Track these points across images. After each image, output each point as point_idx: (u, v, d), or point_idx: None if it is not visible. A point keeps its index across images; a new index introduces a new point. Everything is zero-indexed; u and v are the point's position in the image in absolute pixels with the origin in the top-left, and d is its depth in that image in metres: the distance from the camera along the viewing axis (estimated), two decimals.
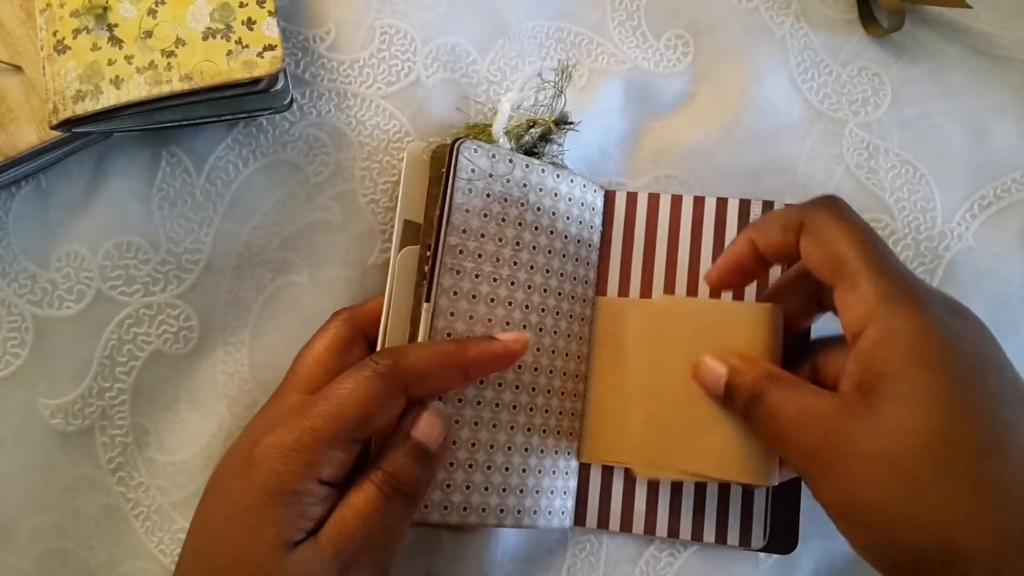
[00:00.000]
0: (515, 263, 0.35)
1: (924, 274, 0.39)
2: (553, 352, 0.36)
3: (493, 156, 0.34)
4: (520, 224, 0.35)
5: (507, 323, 0.34)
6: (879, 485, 0.26)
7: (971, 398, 0.26)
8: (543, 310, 0.36)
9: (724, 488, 0.36)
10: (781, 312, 0.34)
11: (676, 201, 0.38)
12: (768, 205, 0.37)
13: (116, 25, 0.31)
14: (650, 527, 0.36)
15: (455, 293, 0.33)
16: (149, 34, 0.32)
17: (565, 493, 0.36)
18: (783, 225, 0.30)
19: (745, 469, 0.33)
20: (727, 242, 0.37)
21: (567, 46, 0.41)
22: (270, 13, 0.33)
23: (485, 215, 0.34)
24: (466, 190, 0.33)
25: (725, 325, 0.34)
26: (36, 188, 0.36)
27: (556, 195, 0.36)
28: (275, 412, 0.31)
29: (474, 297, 0.34)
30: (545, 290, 0.36)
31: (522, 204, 0.35)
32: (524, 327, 0.35)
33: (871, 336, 0.27)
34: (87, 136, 0.34)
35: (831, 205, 0.30)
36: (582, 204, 0.37)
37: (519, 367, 0.35)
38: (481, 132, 0.36)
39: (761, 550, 0.36)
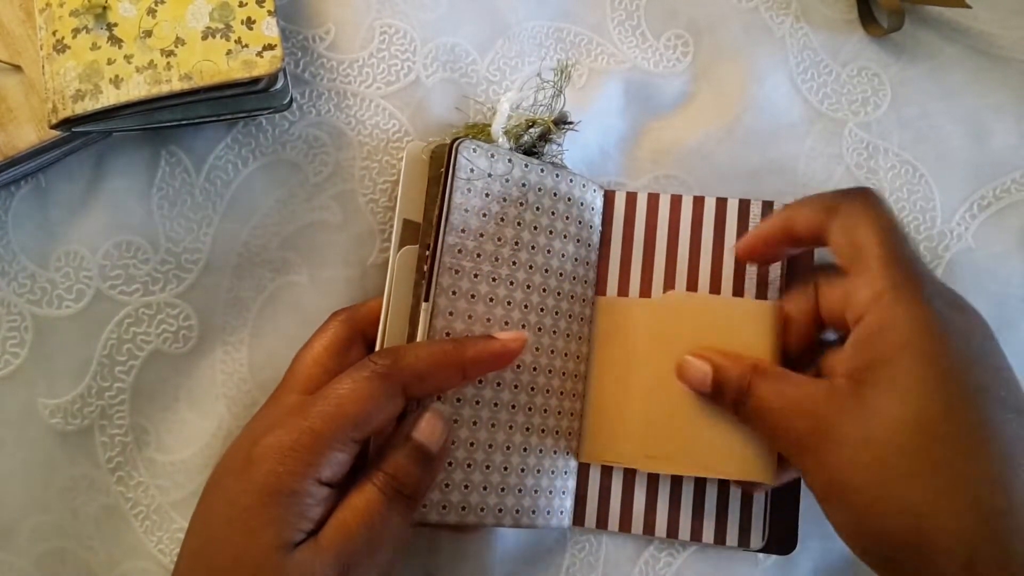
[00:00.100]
0: (514, 263, 0.35)
1: None
2: (552, 352, 0.36)
3: (492, 156, 0.34)
4: (519, 224, 0.35)
5: (506, 323, 0.34)
6: (862, 471, 0.26)
7: (959, 393, 0.26)
8: (542, 310, 0.36)
9: (723, 488, 0.36)
10: (781, 309, 0.34)
11: (676, 201, 0.38)
12: (768, 205, 0.37)
13: (115, 24, 0.31)
14: (649, 527, 0.36)
15: (454, 292, 0.33)
16: (148, 33, 0.32)
17: (564, 493, 0.36)
18: (818, 206, 0.31)
19: (745, 467, 0.33)
20: (727, 242, 0.37)
21: (567, 46, 0.41)
22: (270, 13, 0.33)
23: (484, 215, 0.34)
24: (465, 190, 0.33)
25: (726, 322, 0.34)
26: (36, 188, 0.36)
27: (555, 195, 0.36)
28: (274, 412, 0.31)
29: (473, 297, 0.34)
30: (544, 290, 0.36)
31: (521, 204, 0.35)
32: (523, 326, 0.35)
33: (871, 322, 0.28)
34: (87, 136, 0.34)
35: (866, 195, 0.31)
36: (581, 204, 0.37)
37: (518, 366, 0.35)
38: (480, 132, 0.36)
39: (760, 551, 0.36)
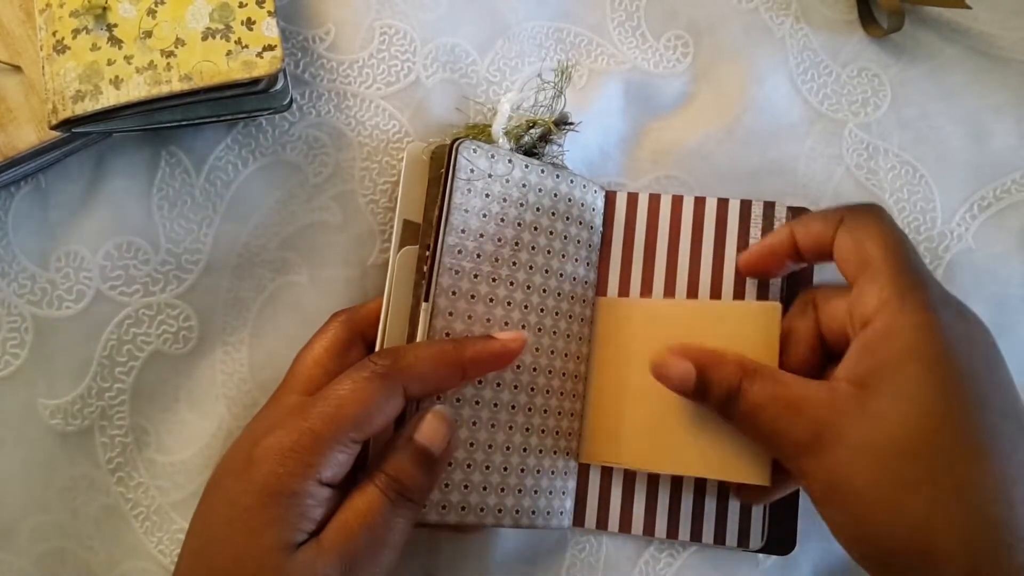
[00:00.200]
0: (514, 263, 0.35)
1: None
2: (552, 352, 0.36)
3: (492, 156, 0.34)
4: (519, 224, 0.35)
5: (506, 323, 0.34)
6: (863, 477, 0.26)
7: (961, 402, 0.26)
8: (542, 310, 0.36)
9: (723, 489, 0.36)
10: (780, 311, 0.34)
11: (677, 202, 0.38)
12: (769, 206, 0.37)
13: (115, 25, 0.31)
14: (649, 528, 0.36)
15: (454, 293, 0.33)
16: (148, 34, 0.32)
17: (564, 493, 0.36)
18: (825, 218, 0.32)
19: (743, 469, 0.33)
20: (728, 243, 0.37)
21: (567, 46, 0.41)
22: (269, 13, 0.33)
23: (484, 215, 0.34)
24: (465, 190, 0.33)
25: (724, 325, 0.34)
26: (36, 188, 0.36)
27: (556, 195, 0.36)
28: (274, 413, 0.31)
29: (473, 297, 0.34)
30: (544, 290, 0.36)
31: (521, 204, 0.35)
32: (523, 327, 0.35)
33: (877, 328, 0.28)
34: (87, 136, 0.34)
35: (873, 209, 0.31)
36: (582, 205, 0.37)
37: (518, 367, 0.35)
38: (481, 132, 0.36)
39: (759, 551, 0.36)
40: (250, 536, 0.27)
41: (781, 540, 0.36)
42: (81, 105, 0.31)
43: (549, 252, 0.36)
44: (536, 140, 0.36)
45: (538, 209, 0.36)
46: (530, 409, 0.35)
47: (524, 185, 0.35)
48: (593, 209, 0.38)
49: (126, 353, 0.36)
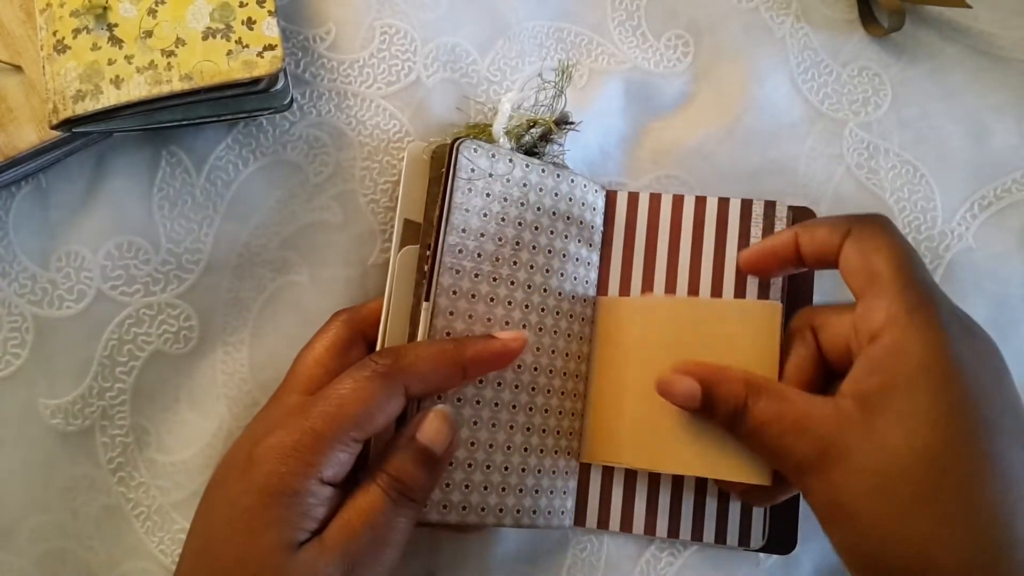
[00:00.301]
0: (515, 262, 0.35)
1: None
2: (553, 352, 0.36)
3: (493, 156, 0.34)
4: (520, 224, 0.35)
5: (506, 322, 0.34)
6: (868, 497, 0.26)
7: (967, 424, 0.26)
8: (543, 309, 0.36)
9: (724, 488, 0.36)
10: (781, 310, 0.34)
11: (678, 201, 0.38)
12: (770, 205, 0.37)
13: (116, 25, 0.31)
14: (650, 527, 0.37)
15: (454, 292, 0.33)
16: (149, 34, 0.32)
17: (565, 493, 0.36)
18: (831, 226, 0.31)
19: (744, 468, 0.33)
20: (729, 243, 0.37)
21: (567, 46, 0.41)
22: (270, 13, 0.33)
23: (485, 214, 0.34)
24: (466, 189, 0.33)
25: (726, 324, 0.34)
26: (36, 188, 0.36)
27: (556, 195, 0.36)
28: (275, 413, 0.31)
29: (473, 296, 0.34)
30: (545, 289, 0.36)
31: (522, 204, 0.35)
32: (524, 326, 0.35)
33: (885, 344, 0.28)
34: (87, 136, 0.34)
35: (880, 220, 0.31)
36: (583, 204, 0.37)
37: (518, 366, 0.35)
38: (481, 132, 0.36)
39: (760, 550, 0.36)
40: (252, 536, 0.27)
41: (782, 539, 0.36)
42: (82, 105, 0.31)
43: (550, 251, 0.36)
44: (537, 139, 0.36)
45: (539, 208, 0.36)
46: (531, 408, 0.35)
47: (525, 184, 0.35)
48: (594, 208, 0.38)
49: (127, 353, 0.36)
